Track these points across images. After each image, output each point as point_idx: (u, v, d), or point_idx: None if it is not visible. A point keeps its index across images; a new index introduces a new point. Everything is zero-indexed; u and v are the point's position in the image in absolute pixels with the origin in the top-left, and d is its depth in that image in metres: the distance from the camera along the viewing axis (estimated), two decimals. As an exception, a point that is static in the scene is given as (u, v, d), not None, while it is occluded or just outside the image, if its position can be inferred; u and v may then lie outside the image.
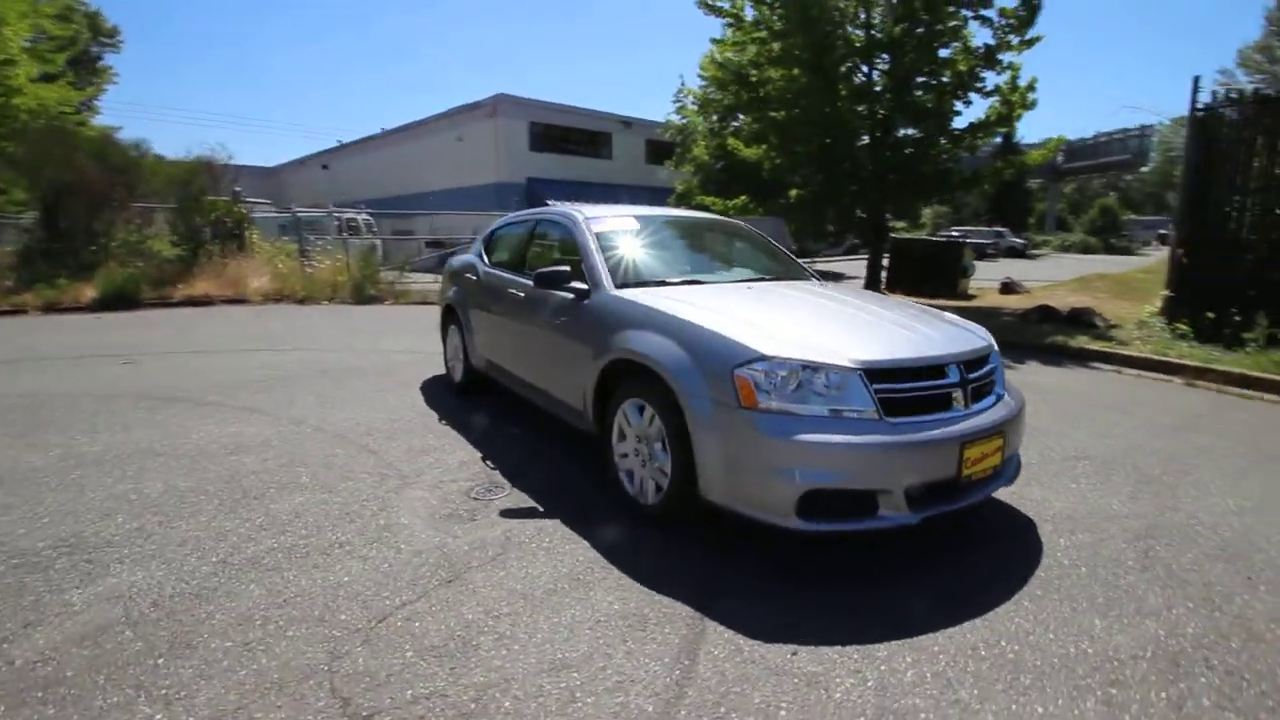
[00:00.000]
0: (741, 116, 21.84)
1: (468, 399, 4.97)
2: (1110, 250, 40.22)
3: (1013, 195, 43.36)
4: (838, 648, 2.01)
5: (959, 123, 11.99)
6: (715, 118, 23.16)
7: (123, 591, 2.31)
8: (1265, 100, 6.92)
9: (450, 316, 5.21)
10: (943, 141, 11.90)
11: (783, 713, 1.74)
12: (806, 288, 3.56)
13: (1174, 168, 45.38)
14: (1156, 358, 6.30)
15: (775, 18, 11.28)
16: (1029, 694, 1.82)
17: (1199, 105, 7.42)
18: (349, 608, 2.22)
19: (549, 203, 23.96)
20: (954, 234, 27.36)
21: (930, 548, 2.63)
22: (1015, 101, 11.63)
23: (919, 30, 11.15)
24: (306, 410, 4.67)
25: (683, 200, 24.21)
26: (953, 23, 11.50)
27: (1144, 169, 50.45)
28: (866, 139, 11.95)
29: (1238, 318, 6.37)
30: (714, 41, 13.05)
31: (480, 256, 4.85)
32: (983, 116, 11.89)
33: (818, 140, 11.51)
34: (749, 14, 12.09)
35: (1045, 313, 9.43)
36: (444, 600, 2.26)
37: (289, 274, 13.35)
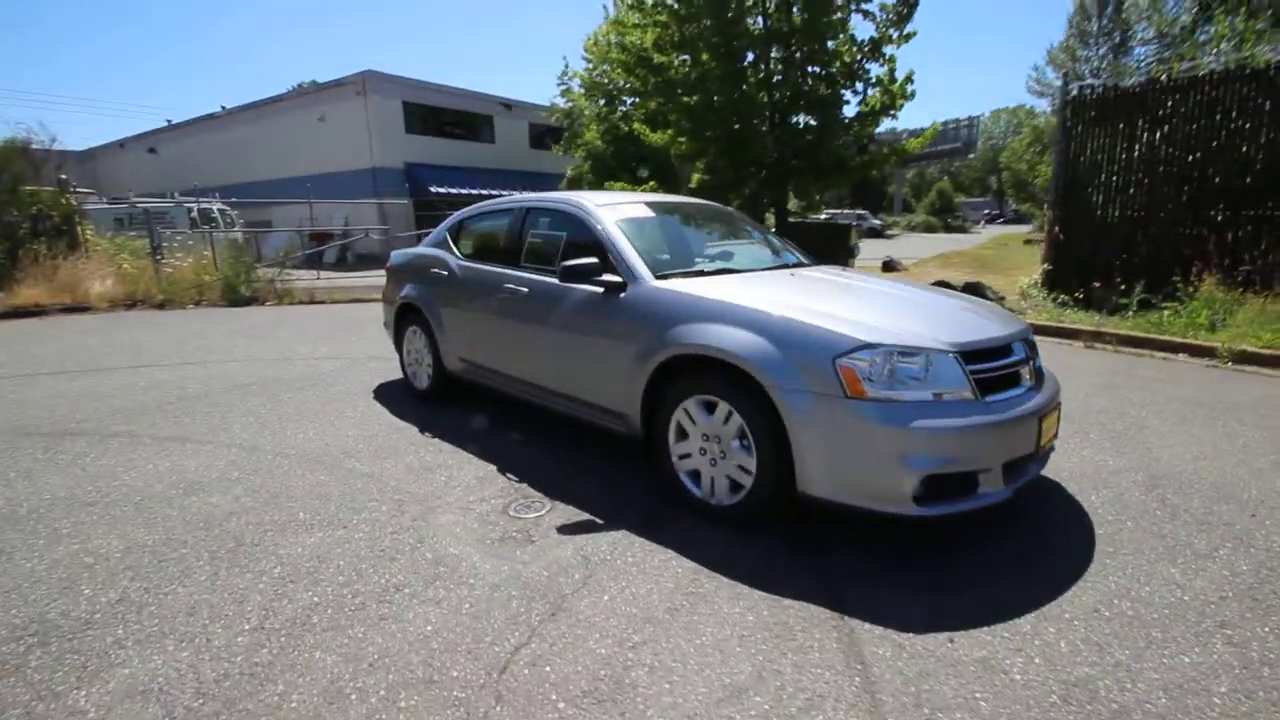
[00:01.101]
0: (630, 100, 21.92)
1: (439, 406, 4.53)
2: (949, 229, 44.97)
3: (869, 180, 47.19)
4: (984, 629, 2.03)
5: (849, 112, 12.75)
6: (603, 101, 22.93)
7: (146, 684, 1.84)
8: (1123, 93, 7.97)
9: (409, 317, 4.71)
10: (835, 129, 12.58)
11: (983, 703, 1.72)
12: (842, 273, 3.58)
13: (996, 154, 51.63)
14: (1055, 324, 7.10)
15: (682, 3, 11.28)
16: (1167, 646, 1.94)
17: (1068, 97, 8.40)
18: (455, 662, 1.91)
19: (434, 188, 22.58)
20: (822, 217, 29.24)
21: (981, 522, 2.73)
22: (896, 93, 12.49)
23: (805, 20, 11.63)
24: (252, 433, 4.02)
25: (573, 185, 23.83)
26: (837, 15, 12.11)
27: (971, 156, 56.87)
28: (766, 126, 12.37)
29: (1122, 285, 7.33)
30: (614, 24, 12.86)
31: (447, 250, 4.41)
32: (867, 106, 12.70)
33: (727, 126, 11.73)
34: (650, -4, 12.01)
35: (941, 287, 10.33)
36: (560, 637, 2.02)
37: (139, 275, 11.53)
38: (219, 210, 16.38)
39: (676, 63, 12.17)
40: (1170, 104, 7.53)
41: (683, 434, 2.82)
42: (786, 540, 2.58)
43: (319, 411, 4.50)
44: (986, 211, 61.05)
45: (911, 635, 2.00)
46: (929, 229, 44.88)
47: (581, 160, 22.92)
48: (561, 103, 24.30)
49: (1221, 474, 3.23)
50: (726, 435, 2.63)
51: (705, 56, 11.23)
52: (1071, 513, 2.85)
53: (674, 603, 2.19)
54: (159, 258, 11.73)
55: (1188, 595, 2.20)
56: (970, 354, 2.40)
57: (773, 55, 11.81)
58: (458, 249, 4.36)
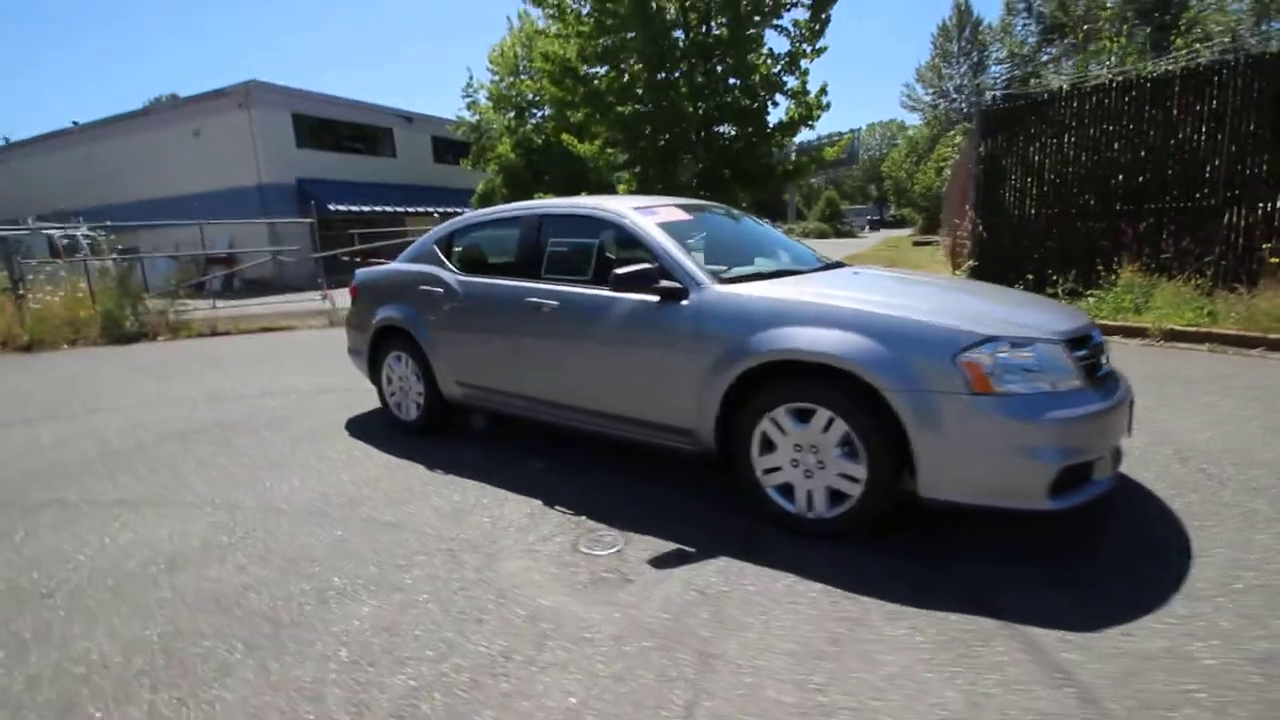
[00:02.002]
0: (541, 112, 21.60)
1: (434, 439, 4.07)
2: (839, 234, 47.83)
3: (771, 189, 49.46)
4: (1143, 617, 1.98)
5: (771, 121, 13.17)
6: (512, 114, 22.42)
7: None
8: (1033, 102, 8.70)
9: (390, 342, 4.21)
10: (760, 139, 12.95)
11: (1200, 694, 1.65)
12: (893, 270, 3.54)
13: (875, 164, 55.63)
14: (996, 315, 7.56)
15: (607, 14, 11.19)
16: (1326, 613, 1.97)
17: (983, 107, 9.06)
18: (628, 737, 1.62)
19: (333, 206, 21.07)
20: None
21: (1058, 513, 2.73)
22: (812, 104, 13.05)
23: (727, 33, 11.91)
24: (222, 488, 3.42)
25: (485, 200, 23.13)
26: (753, 30, 12.50)
27: (854, 166, 61.00)
28: (695, 137, 12.53)
29: (1054, 276, 7.93)
30: (537, 34, 12.55)
31: (439, 265, 3.98)
32: (787, 117, 13.18)
33: (658, 136, 11.74)
34: (573, 5, 11.85)
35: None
36: (731, 690, 1.77)
37: (-7, 313, 9.85)
38: (84, 236, 14.38)
39: (603, 73, 12.08)
40: (1072, 111, 8.28)
41: (768, 446, 2.63)
42: (902, 551, 2.45)
43: (291, 456, 3.91)
44: (869, 217, 65.68)
45: (1087, 634, 1.92)
46: (821, 234, 47.48)
47: (494, 174, 22.28)
48: (468, 116, 23.55)
49: (1229, 441, 3.46)
50: (826, 444, 2.47)
51: (637, 67, 11.19)
52: (1134, 492, 2.93)
53: (830, 632, 1.99)
54: (20, 293, 10.07)
55: (1296, 561, 2.28)
56: (1070, 342, 2.39)
57: (698, 67, 11.97)
58: (452, 263, 3.94)
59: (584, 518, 2.89)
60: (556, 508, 2.99)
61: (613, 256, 3.25)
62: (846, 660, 1.86)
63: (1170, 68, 7.85)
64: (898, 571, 2.31)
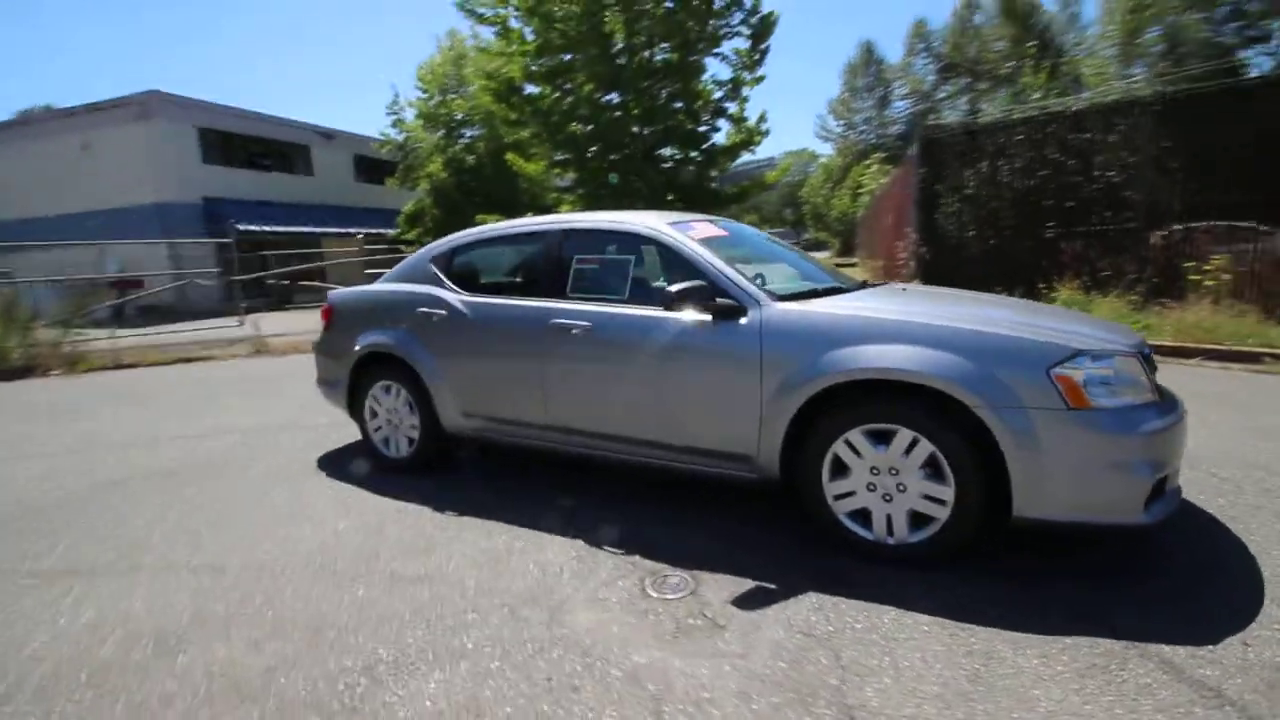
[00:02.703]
0: (471, 132, 21.13)
1: (428, 476, 3.70)
2: (763, 256, 49.46)
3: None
4: (1250, 626, 1.98)
5: (714, 146, 13.44)
6: (441, 132, 21.78)
7: None
8: (969, 132, 9.27)
9: (376, 370, 3.82)
10: (705, 162, 13.18)
11: (1360, 711, 1.64)
12: (940, 289, 3.55)
13: (791, 190, 58.19)
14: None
15: (556, 33, 11.08)
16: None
17: (923, 136, 9.57)
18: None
19: (243, 225, 19.60)
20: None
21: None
22: (752, 130, 13.44)
23: (674, 59, 12.11)
24: (188, 548, 2.94)
25: (414, 220, 22.29)
26: (694, 56, 12.78)
27: (773, 191, 63.56)
28: (643, 158, 12.57)
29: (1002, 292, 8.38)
30: (479, 50, 12.23)
31: (438, 285, 3.64)
32: (727, 142, 13.50)
33: (607, 157, 11.68)
34: (517, 25, 11.68)
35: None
36: (893, 746, 1.59)
37: None
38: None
39: (548, 92, 11.93)
40: (1004, 141, 8.89)
41: (840, 470, 2.51)
42: (985, 573, 2.37)
43: (266, 503, 3.44)
44: (791, 240, 68.51)
45: (1211, 648, 1.89)
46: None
47: (425, 193, 21.50)
48: (394, 133, 22.68)
49: (1226, 446, 3.66)
50: (908, 466, 2.37)
51: (588, 88, 11.11)
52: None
53: (965, 669, 1.86)
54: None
55: (1354, 560, 2.38)
56: (1141, 355, 2.42)
57: (647, 90, 12.05)
58: (455, 283, 3.62)
59: (637, 557, 2.65)
60: (604, 548, 2.74)
61: (651, 274, 3.07)
62: (998, 699, 1.73)
63: (1092, 102, 8.57)
64: (996, 596, 2.23)
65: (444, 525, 3.05)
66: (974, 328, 2.35)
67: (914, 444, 2.35)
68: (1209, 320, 6.22)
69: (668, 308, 2.75)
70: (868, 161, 27.58)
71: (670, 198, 13.02)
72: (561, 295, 3.21)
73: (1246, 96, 7.40)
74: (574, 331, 3.05)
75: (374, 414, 3.90)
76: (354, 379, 3.95)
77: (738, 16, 12.70)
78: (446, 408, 3.57)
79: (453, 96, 21.47)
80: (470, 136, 21.49)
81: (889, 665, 1.90)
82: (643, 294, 3.08)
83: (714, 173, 12.95)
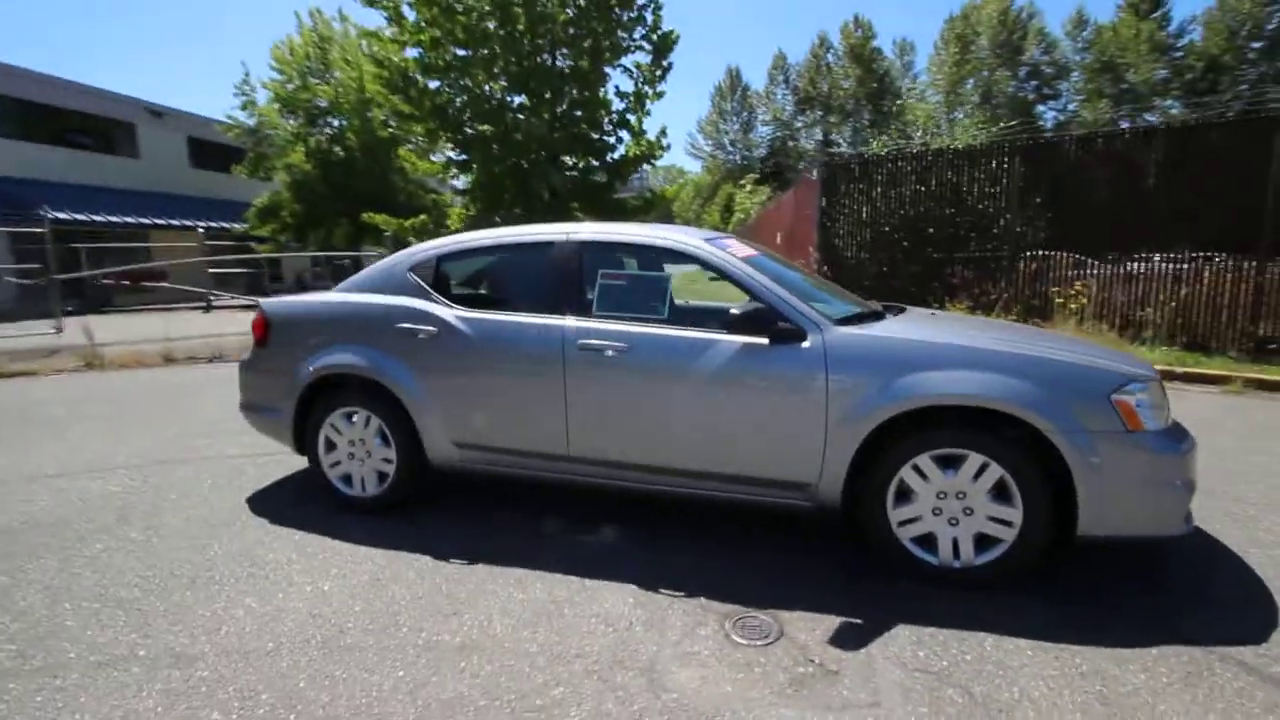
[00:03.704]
0: (339, 121, 19.41)
1: (401, 517, 3.21)
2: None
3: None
4: (1285, 626, 2.23)
5: (616, 158, 13.42)
6: (297, 120, 19.71)
7: None
8: (865, 160, 10.02)
9: (338, 396, 3.26)
10: (609, 172, 13.11)
11: None
12: (953, 314, 3.61)
13: (668, 205, 60.26)
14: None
15: (459, 26, 10.42)
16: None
17: (826, 162, 10.21)
18: None
19: (49, 213, 16.37)
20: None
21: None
22: (653, 143, 13.63)
23: (582, 65, 11.95)
24: (133, 632, 2.30)
25: (269, 214, 20.00)
26: (600, 64, 12.72)
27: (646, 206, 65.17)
28: (550, 165, 12.23)
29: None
30: (365, 35, 11.14)
31: (425, 298, 3.18)
32: (630, 153, 13.57)
33: (515, 159, 11.18)
34: (411, 16, 10.87)
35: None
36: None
37: None
38: None
39: (449, 88, 11.21)
40: (893, 173, 9.73)
41: (903, 497, 2.51)
42: (1041, 592, 2.46)
43: (205, 561, 2.79)
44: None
45: (1272, 647, 2.09)
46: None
47: (284, 186, 19.34)
48: (243, 116, 20.19)
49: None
50: (976, 490, 2.41)
51: (496, 86, 10.58)
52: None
53: (1093, 691, 1.90)
54: None
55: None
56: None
57: (563, 93, 11.74)
58: (445, 297, 3.18)
59: (702, 599, 2.46)
60: (660, 591, 2.51)
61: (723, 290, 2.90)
62: (1139, 718, 1.78)
63: (966, 144, 9.62)
64: (1069, 614, 2.32)
65: (457, 577, 2.64)
66: (1039, 354, 2.46)
67: (984, 468, 2.40)
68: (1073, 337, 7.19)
69: (729, 331, 2.60)
70: (743, 182, 29.18)
71: (574, 205, 12.80)
72: (585, 313, 2.93)
73: (1092, 144, 8.71)
74: (608, 354, 2.79)
75: (331, 446, 3.32)
76: (302, 406, 3.35)
77: (639, 32, 12.82)
78: (435, 438, 3.12)
79: (315, 81, 19.56)
80: (338, 127, 19.68)
81: (1021, 696, 1.89)
82: (676, 314, 2.90)
83: (619, 184, 12.92)
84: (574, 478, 2.98)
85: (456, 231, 13.40)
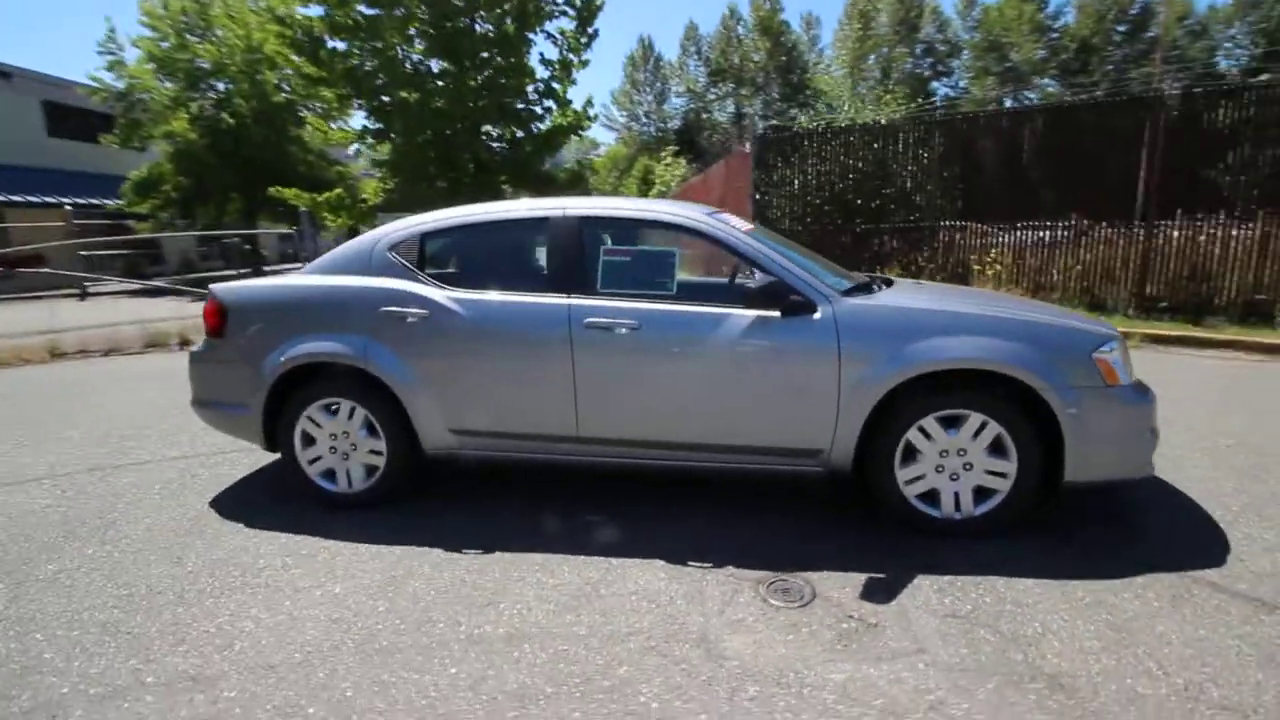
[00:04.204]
0: (226, 84, 17.71)
1: (394, 510, 3.07)
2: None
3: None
4: (1236, 543, 2.57)
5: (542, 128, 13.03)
6: (178, 82, 17.74)
7: None
8: (794, 136, 10.26)
9: (319, 387, 3.04)
10: (534, 142, 12.73)
11: (1342, 600, 2.22)
12: (933, 284, 3.75)
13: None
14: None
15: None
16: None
17: (758, 134, 10.38)
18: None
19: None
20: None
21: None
22: (580, 115, 13.36)
23: (508, 29, 11.47)
24: (146, 658, 2.09)
25: (147, 188, 18.07)
26: (522, 27, 12.26)
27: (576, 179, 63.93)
28: (473, 134, 11.71)
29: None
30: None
31: (411, 279, 2.99)
32: (554, 125, 13.23)
33: (439, 129, 10.59)
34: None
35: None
36: (1175, 700, 1.76)
37: None
38: None
39: (359, 49, 10.43)
40: (821, 147, 10.05)
41: (909, 456, 2.66)
42: (1034, 536, 2.67)
43: (185, 574, 2.57)
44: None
45: (1227, 569, 2.40)
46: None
47: (165, 156, 17.45)
48: (110, 78, 17.94)
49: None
50: (975, 446, 2.60)
51: (420, 48, 9.94)
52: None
53: (1102, 619, 2.11)
54: None
55: None
56: (1116, 339, 2.94)
57: (482, 61, 11.20)
58: (433, 276, 3.00)
59: (730, 568, 2.52)
60: (689, 564, 2.55)
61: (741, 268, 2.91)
62: (1146, 641, 2.00)
63: (889, 120, 10.05)
64: (1054, 551, 2.55)
65: (478, 567, 2.57)
66: (1027, 318, 2.65)
67: (983, 426, 2.58)
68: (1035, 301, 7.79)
69: (747, 305, 2.63)
70: (662, 154, 29.23)
71: (502, 179, 12.39)
72: (588, 290, 2.86)
73: (999, 120, 9.34)
74: (621, 332, 2.75)
75: (310, 441, 3.10)
76: (272, 400, 3.10)
77: (562, -2, 12.41)
78: (430, 426, 2.98)
79: (195, 40, 17.64)
80: (225, 91, 17.90)
81: (1043, 630, 2.08)
82: (685, 290, 2.90)
83: (548, 155, 12.58)
84: (583, 459, 2.94)
85: (374, 205, 12.70)
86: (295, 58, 10.30)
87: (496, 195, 13.12)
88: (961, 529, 2.67)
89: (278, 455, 3.23)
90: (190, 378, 3.35)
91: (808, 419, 2.69)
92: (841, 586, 2.37)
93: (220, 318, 3.20)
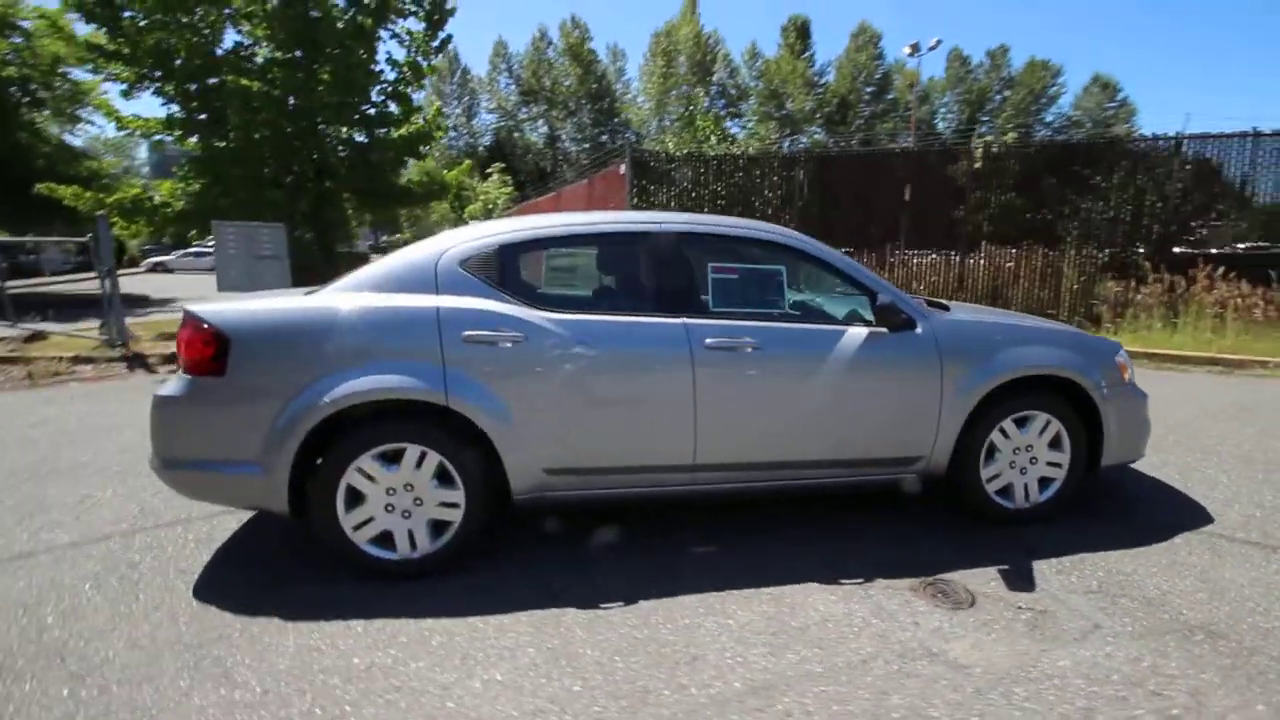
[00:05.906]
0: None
1: (451, 580, 2.62)
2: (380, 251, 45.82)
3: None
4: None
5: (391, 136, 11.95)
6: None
7: None
8: (666, 159, 10.67)
9: (370, 433, 2.47)
10: (384, 148, 11.64)
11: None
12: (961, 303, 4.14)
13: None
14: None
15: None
16: None
17: (632, 156, 10.63)
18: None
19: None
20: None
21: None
22: (431, 123, 12.58)
23: (362, 20, 10.39)
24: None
25: None
26: (366, 21, 11.25)
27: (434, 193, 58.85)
28: (318, 135, 10.31)
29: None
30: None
31: (494, 298, 2.57)
32: (409, 130, 12.28)
33: (281, 124, 9.09)
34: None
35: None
36: None
37: None
38: None
39: (168, 22, 8.61)
40: (691, 173, 10.65)
41: (991, 456, 2.96)
42: (1083, 514, 3.13)
43: (254, 701, 1.93)
44: (382, 241, 65.11)
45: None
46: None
47: None
48: None
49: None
50: (1040, 442, 2.98)
51: (262, 30, 8.48)
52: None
53: (1195, 576, 2.54)
54: None
55: None
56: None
57: (341, 52, 9.91)
58: (521, 296, 2.61)
59: (879, 580, 2.57)
60: (842, 582, 2.54)
61: (840, 286, 2.97)
62: (1234, 584, 2.46)
63: (758, 151, 10.97)
64: (1105, 528, 3.01)
65: (636, 620, 2.29)
66: (1070, 330, 3.12)
67: (1047, 424, 2.97)
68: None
69: (876, 323, 2.73)
70: (489, 170, 28.23)
71: (345, 194, 11.10)
72: (699, 310, 2.73)
73: (854, 161, 10.75)
74: (747, 352, 2.66)
75: (356, 500, 2.51)
76: (303, 452, 2.46)
77: (412, -5, 11.58)
78: (524, 466, 2.59)
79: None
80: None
81: (1158, 593, 2.45)
82: (792, 308, 2.93)
83: (404, 164, 11.53)
84: (695, 488, 2.78)
85: (173, 205, 10.51)
86: (82, 25, 8.15)
87: (338, 207, 11.73)
88: (1030, 516, 3.03)
89: (245, 516, 2.56)
90: (154, 431, 2.51)
91: (913, 428, 2.85)
92: (986, 581, 2.55)
93: (216, 350, 2.45)
